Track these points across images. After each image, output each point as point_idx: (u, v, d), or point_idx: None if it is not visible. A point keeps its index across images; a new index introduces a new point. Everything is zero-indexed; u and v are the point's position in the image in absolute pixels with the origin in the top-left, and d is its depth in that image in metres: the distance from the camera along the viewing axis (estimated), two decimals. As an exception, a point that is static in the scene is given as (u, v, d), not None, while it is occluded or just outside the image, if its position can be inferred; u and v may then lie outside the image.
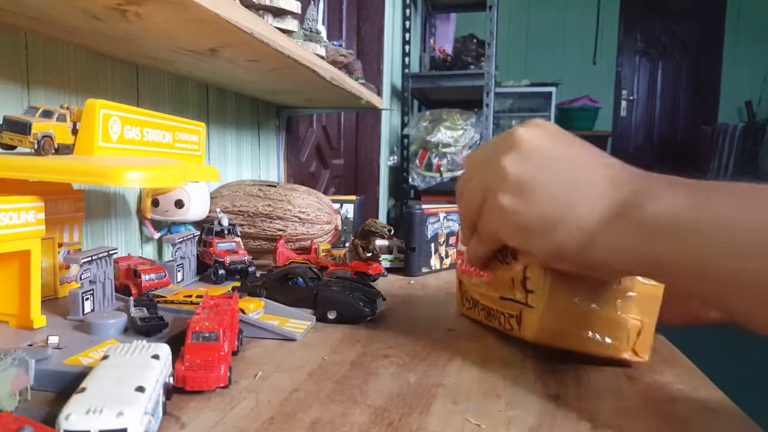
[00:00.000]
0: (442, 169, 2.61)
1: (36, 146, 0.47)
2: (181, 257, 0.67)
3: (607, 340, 0.43)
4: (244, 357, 0.45)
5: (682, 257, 0.31)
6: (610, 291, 0.43)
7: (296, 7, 0.76)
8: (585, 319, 0.43)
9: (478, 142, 2.58)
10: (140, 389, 0.29)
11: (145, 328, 0.45)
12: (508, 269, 0.48)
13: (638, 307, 0.43)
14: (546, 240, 0.38)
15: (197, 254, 0.72)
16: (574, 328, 0.43)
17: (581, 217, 0.36)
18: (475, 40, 2.73)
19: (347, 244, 0.93)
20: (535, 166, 0.38)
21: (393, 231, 0.77)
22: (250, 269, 0.70)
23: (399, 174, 2.74)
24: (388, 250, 0.84)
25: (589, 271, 0.38)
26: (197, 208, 0.78)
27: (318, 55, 0.88)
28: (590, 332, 0.43)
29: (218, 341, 0.39)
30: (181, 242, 0.67)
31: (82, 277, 0.49)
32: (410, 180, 2.69)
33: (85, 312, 0.49)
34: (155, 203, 0.77)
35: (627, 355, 0.43)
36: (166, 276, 0.62)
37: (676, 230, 0.32)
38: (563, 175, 0.38)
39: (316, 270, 0.61)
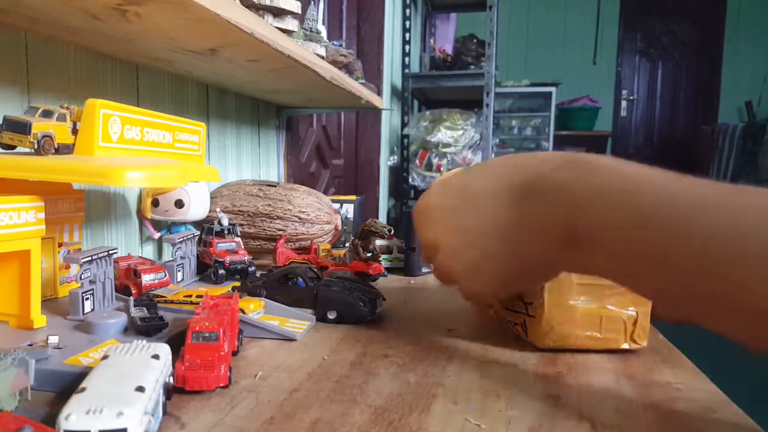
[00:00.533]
0: (442, 169, 2.61)
1: (36, 146, 0.47)
2: (181, 257, 0.67)
3: (606, 334, 0.47)
4: (244, 357, 0.45)
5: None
6: (603, 289, 0.46)
7: (296, 7, 0.76)
8: (583, 320, 0.46)
9: (478, 142, 2.59)
10: (140, 389, 0.29)
11: (145, 328, 0.45)
12: None
13: (631, 300, 0.47)
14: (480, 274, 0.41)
15: (197, 254, 0.72)
16: (574, 329, 0.47)
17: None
18: (475, 40, 2.73)
19: (347, 244, 0.93)
20: (434, 229, 0.43)
21: (393, 231, 0.77)
22: (250, 269, 0.70)
23: (399, 174, 2.74)
24: (388, 250, 0.84)
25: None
26: (197, 208, 0.78)
27: (318, 55, 0.88)
28: (589, 331, 0.47)
29: (218, 341, 0.39)
30: (181, 242, 0.67)
31: (82, 277, 0.49)
32: (410, 180, 2.69)
33: (85, 312, 0.49)
34: (155, 203, 0.77)
35: (626, 345, 0.47)
36: (166, 276, 0.62)
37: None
38: (458, 223, 0.41)
39: (316, 270, 0.61)
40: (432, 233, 0.43)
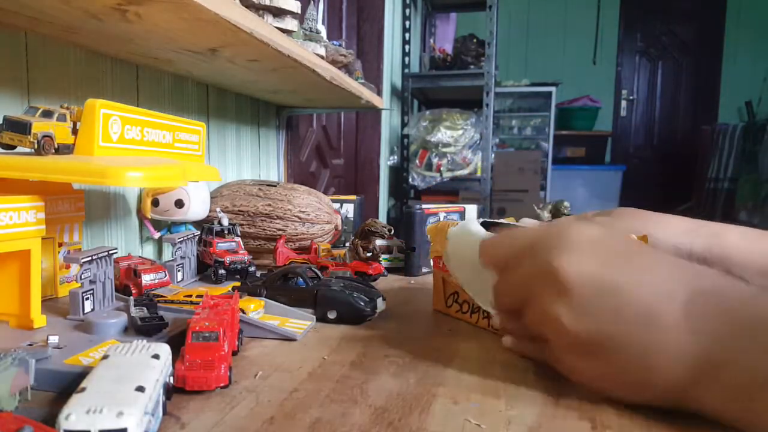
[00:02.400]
0: (442, 168, 2.61)
1: (36, 146, 0.47)
2: (181, 257, 0.67)
3: None
4: (244, 357, 0.45)
5: None
6: None
7: (296, 7, 0.76)
8: None
9: (477, 141, 2.59)
10: (140, 389, 0.29)
11: (145, 328, 0.45)
12: None
13: None
14: (620, 381, 0.34)
15: (197, 254, 0.72)
16: None
17: (663, 380, 0.32)
18: (475, 40, 2.73)
19: (347, 244, 0.93)
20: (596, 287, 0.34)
21: (393, 231, 0.77)
22: (250, 269, 0.70)
23: (399, 174, 2.74)
24: (388, 250, 0.84)
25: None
26: (197, 207, 0.78)
27: (318, 54, 0.88)
28: None
29: (218, 341, 0.39)
30: (181, 242, 0.67)
31: (82, 277, 0.49)
32: (410, 180, 2.69)
33: (85, 312, 0.49)
34: (155, 203, 0.77)
35: None
36: (166, 276, 0.62)
37: None
38: (626, 313, 0.33)
39: (316, 270, 0.61)
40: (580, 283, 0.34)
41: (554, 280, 0.35)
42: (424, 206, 0.81)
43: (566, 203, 0.99)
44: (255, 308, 0.53)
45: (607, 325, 0.34)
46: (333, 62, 0.97)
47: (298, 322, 0.54)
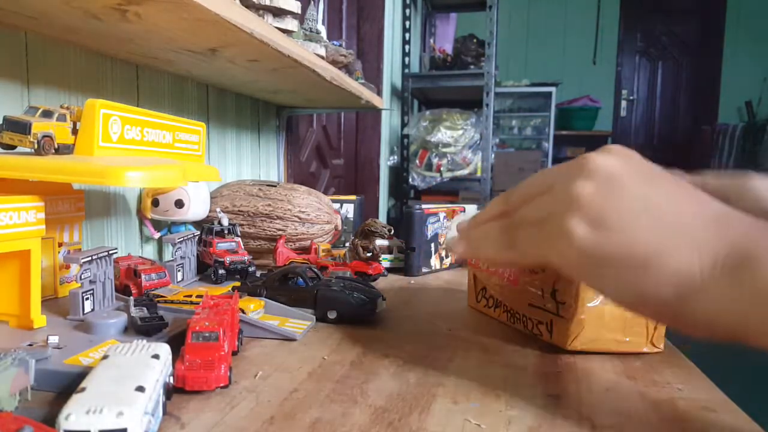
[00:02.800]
0: (442, 168, 2.61)
1: (36, 146, 0.47)
2: (181, 257, 0.67)
3: (629, 338, 0.47)
4: (244, 357, 0.45)
5: None
6: None
7: (296, 7, 0.76)
8: (610, 323, 0.46)
9: (478, 142, 2.59)
10: (140, 389, 0.29)
11: (145, 328, 0.45)
12: (536, 278, 0.49)
13: None
14: (626, 282, 0.32)
15: (197, 254, 0.72)
16: (602, 332, 0.46)
17: (679, 265, 0.30)
18: (475, 40, 2.73)
19: (347, 244, 0.93)
20: (616, 196, 0.32)
21: (393, 231, 0.77)
22: (250, 269, 0.70)
23: (399, 174, 2.74)
24: (388, 250, 0.84)
25: (679, 325, 0.32)
26: (197, 208, 0.78)
27: (318, 55, 0.88)
28: (615, 334, 0.46)
29: (218, 341, 0.39)
30: (181, 242, 0.67)
31: (82, 277, 0.49)
32: (410, 180, 2.69)
33: (85, 312, 0.49)
34: (155, 203, 0.77)
35: (646, 348, 0.47)
36: (166, 276, 0.62)
37: None
38: (653, 210, 0.32)
39: (316, 270, 0.61)
40: (601, 194, 0.32)
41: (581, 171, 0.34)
42: (424, 206, 0.81)
43: None
44: (255, 308, 0.53)
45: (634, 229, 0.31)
46: (333, 62, 0.97)
47: (298, 322, 0.54)
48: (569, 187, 0.33)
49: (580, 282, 0.43)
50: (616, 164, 0.33)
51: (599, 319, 0.46)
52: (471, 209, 0.88)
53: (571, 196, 0.33)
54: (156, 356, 0.33)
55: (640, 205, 0.32)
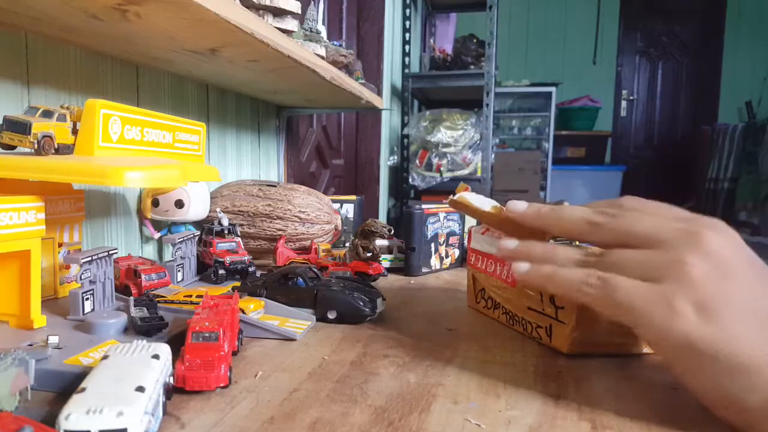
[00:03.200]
0: (442, 169, 2.61)
1: (36, 146, 0.47)
2: (181, 257, 0.67)
3: (628, 339, 0.46)
4: (244, 357, 0.45)
5: None
6: None
7: (296, 7, 0.76)
8: (610, 327, 0.46)
9: (478, 142, 2.58)
10: (140, 389, 0.29)
11: (145, 328, 0.45)
12: None
13: None
14: (716, 379, 0.30)
15: (197, 254, 0.72)
16: (601, 336, 0.46)
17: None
18: (475, 40, 2.73)
19: (347, 244, 0.93)
20: (730, 287, 0.31)
21: (393, 231, 0.77)
22: (250, 269, 0.70)
23: (399, 174, 2.74)
24: (388, 250, 0.84)
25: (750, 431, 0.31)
26: (197, 208, 0.78)
27: (318, 55, 0.88)
28: (615, 337, 0.46)
29: (218, 341, 0.39)
30: (181, 242, 0.67)
31: (82, 277, 0.49)
32: (410, 180, 2.69)
33: (85, 312, 0.49)
34: (155, 203, 0.77)
35: (646, 350, 0.47)
36: (166, 276, 0.62)
37: None
38: (763, 313, 0.30)
39: (316, 270, 0.61)
40: (714, 279, 0.31)
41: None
42: (424, 206, 0.81)
43: (566, 203, 0.98)
44: (255, 308, 0.53)
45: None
46: (333, 62, 0.97)
47: (298, 322, 0.54)
48: (682, 258, 0.32)
49: (665, 362, 0.36)
50: (731, 251, 0.32)
51: (598, 323, 0.45)
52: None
53: (683, 271, 0.31)
54: (156, 356, 0.33)
55: (751, 304, 0.30)
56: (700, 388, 0.31)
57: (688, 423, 0.34)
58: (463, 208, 0.51)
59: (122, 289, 0.59)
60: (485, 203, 0.50)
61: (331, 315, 0.55)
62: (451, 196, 0.53)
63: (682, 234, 0.33)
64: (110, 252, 0.52)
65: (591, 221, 0.37)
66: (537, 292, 0.50)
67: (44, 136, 0.48)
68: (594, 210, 0.38)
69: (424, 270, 0.82)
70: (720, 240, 0.32)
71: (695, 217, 0.35)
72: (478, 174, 2.55)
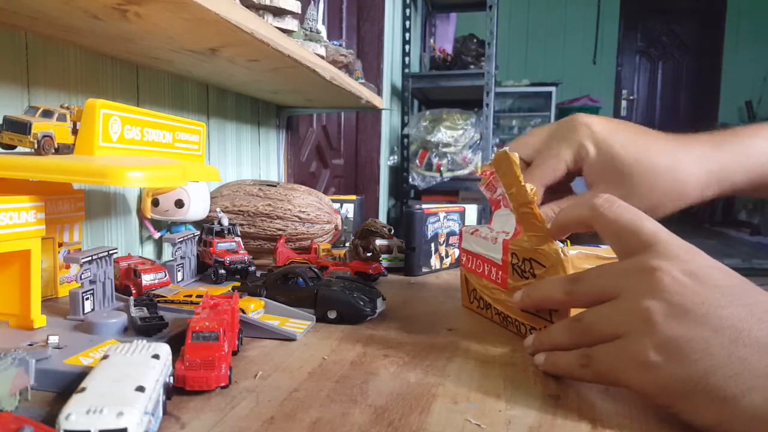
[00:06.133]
0: (442, 168, 2.61)
1: (36, 146, 0.47)
2: (181, 257, 0.67)
3: None
4: (244, 357, 0.45)
5: None
6: None
7: (296, 7, 0.76)
8: None
9: (478, 142, 2.59)
10: (140, 389, 0.29)
11: (145, 328, 0.45)
12: (526, 284, 0.49)
13: None
14: (705, 411, 0.31)
15: (197, 254, 0.72)
16: None
17: (754, 408, 0.29)
18: (475, 40, 2.73)
19: (347, 244, 0.93)
20: (690, 321, 0.32)
21: (393, 231, 0.77)
22: (250, 269, 0.70)
23: (399, 174, 2.74)
24: (388, 250, 0.84)
25: None
26: (197, 207, 0.78)
27: (318, 54, 0.88)
28: None
29: (218, 341, 0.39)
30: (181, 242, 0.67)
31: (82, 277, 0.49)
32: (410, 180, 2.69)
33: (85, 312, 0.49)
34: (155, 203, 0.77)
35: None
36: (166, 276, 0.62)
37: None
38: (735, 331, 0.31)
39: (316, 270, 0.61)
40: (675, 323, 0.32)
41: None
42: (424, 206, 0.81)
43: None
44: (255, 308, 0.53)
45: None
46: (333, 62, 0.97)
47: (298, 322, 0.54)
48: (640, 305, 0.33)
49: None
50: (686, 281, 0.33)
51: None
52: (471, 209, 0.88)
53: (644, 318, 0.33)
54: (156, 356, 0.33)
55: (720, 332, 0.31)
56: (700, 423, 0.32)
57: (689, 424, 0.34)
58: (505, 167, 0.50)
59: (122, 289, 0.59)
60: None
61: (331, 315, 0.55)
62: (499, 150, 0.53)
63: (637, 276, 0.35)
64: (110, 252, 0.52)
65: (566, 292, 0.41)
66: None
67: (44, 136, 0.48)
68: (565, 280, 0.42)
69: (424, 270, 0.82)
70: (674, 273, 0.33)
71: (651, 244, 0.36)
72: (478, 174, 2.55)
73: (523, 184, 0.48)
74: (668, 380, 0.32)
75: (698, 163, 0.49)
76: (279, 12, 0.75)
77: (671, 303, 0.32)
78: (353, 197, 1.04)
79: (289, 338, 0.50)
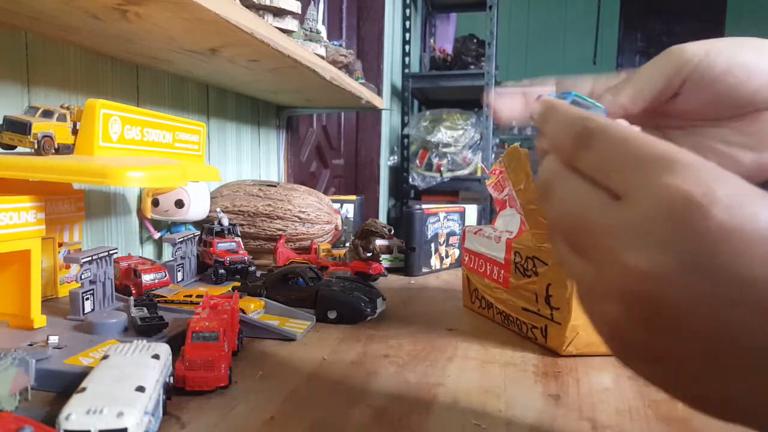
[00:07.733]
0: (442, 169, 2.61)
1: (36, 146, 0.47)
2: (181, 257, 0.67)
3: None
4: (244, 357, 0.45)
5: None
6: None
7: (296, 7, 0.76)
8: None
9: (478, 142, 2.58)
10: (140, 389, 0.29)
11: (145, 328, 0.45)
12: (529, 282, 0.49)
13: None
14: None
15: (197, 254, 0.72)
16: (597, 337, 0.44)
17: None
18: (475, 40, 2.73)
19: (347, 244, 0.93)
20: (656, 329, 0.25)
21: (393, 231, 0.77)
22: (250, 269, 0.70)
23: (399, 174, 2.74)
24: (388, 250, 0.84)
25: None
26: (197, 207, 0.78)
27: (318, 55, 0.88)
28: None
29: (218, 341, 0.39)
30: (181, 242, 0.67)
31: (82, 277, 0.49)
32: (410, 180, 2.69)
33: (85, 312, 0.49)
34: (155, 203, 0.77)
35: None
36: (166, 276, 0.62)
37: None
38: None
39: (316, 270, 0.61)
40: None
41: None
42: (424, 206, 0.81)
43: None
44: (255, 308, 0.53)
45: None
46: (333, 62, 0.97)
47: (298, 322, 0.54)
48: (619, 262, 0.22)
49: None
50: (652, 283, 0.21)
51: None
52: (471, 209, 0.88)
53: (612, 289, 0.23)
54: (156, 356, 0.33)
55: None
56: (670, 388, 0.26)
57: (689, 422, 0.34)
58: (515, 162, 0.51)
59: (122, 289, 0.59)
60: None
61: (331, 315, 0.55)
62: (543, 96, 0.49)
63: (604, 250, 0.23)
64: (110, 252, 0.52)
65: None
66: (532, 293, 0.49)
67: (44, 136, 0.48)
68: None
69: (424, 270, 0.82)
70: (636, 273, 0.21)
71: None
72: (478, 174, 2.55)
73: (532, 179, 0.47)
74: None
75: None
76: (279, 12, 0.75)
77: (631, 305, 0.23)
78: (353, 197, 1.04)
79: (289, 338, 0.50)
